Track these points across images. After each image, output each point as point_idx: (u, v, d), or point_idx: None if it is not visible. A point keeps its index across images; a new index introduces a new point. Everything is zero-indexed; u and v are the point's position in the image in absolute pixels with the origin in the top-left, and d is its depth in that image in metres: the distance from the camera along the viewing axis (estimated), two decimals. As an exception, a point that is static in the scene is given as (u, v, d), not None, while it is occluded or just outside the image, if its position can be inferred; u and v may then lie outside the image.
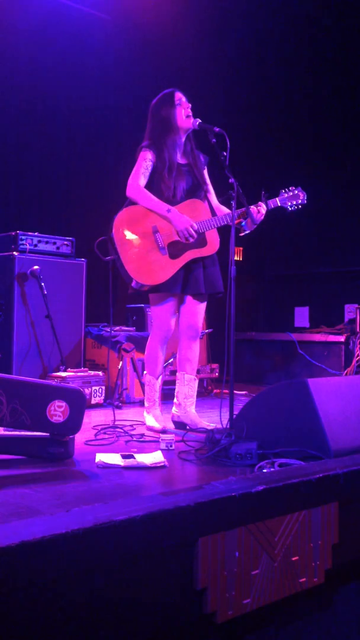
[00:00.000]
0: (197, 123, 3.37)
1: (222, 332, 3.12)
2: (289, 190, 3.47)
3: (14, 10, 5.39)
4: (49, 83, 5.75)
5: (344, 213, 6.37)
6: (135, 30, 6.12)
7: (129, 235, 3.34)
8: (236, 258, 3.13)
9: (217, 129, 3.23)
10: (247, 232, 3.39)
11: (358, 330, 5.27)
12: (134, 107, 5.96)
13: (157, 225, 3.35)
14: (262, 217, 3.36)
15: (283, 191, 3.47)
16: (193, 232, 3.30)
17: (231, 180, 3.16)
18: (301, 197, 3.47)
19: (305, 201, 3.49)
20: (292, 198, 3.46)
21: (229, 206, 3.28)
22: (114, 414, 3.57)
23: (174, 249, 3.34)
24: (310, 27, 6.30)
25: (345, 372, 5.18)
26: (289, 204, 3.46)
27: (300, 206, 3.48)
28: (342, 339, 5.37)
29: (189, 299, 3.49)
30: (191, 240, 3.33)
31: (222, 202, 3.54)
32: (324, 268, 6.59)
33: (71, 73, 5.88)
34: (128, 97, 6.18)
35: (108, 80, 6.15)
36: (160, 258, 3.33)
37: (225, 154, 3.17)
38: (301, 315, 6.73)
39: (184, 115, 3.41)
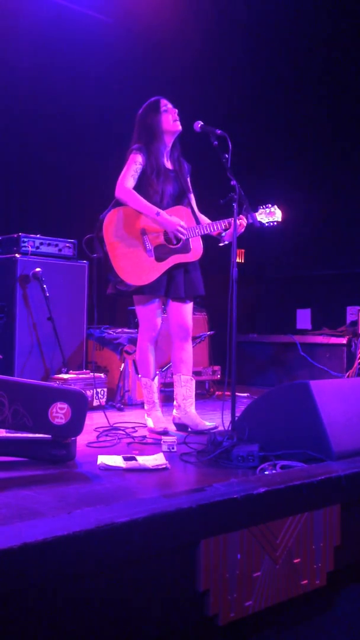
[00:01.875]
0: (199, 125, 3.37)
1: (224, 334, 3.12)
2: (266, 207, 3.50)
3: (16, 13, 5.41)
4: (51, 86, 5.76)
5: (345, 215, 6.36)
6: (137, 33, 6.13)
7: (118, 235, 3.38)
8: (238, 260, 3.12)
9: (219, 132, 3.24)
10: (226, 242, 3.43)
11: (360, 332, 5.27)
12: (136, 109, 5.96)
13: (145, 228, 3.39)
14: (243, 230, 3.40)
15: (261, 207, 3.51)
16: (184, 231, 3.36)
17: (233, 182, 3.17)
18: (276, 215, 3.50)
19: (280, 219, 3.50)
20: (268, 215, 3.49)
21: (230, 208, 3.28)
22: (106, 416, 3.57)
23: (161, 252, 3.39)
24: (308, 31, 6.31)
25: (347, 374, 5.18)
26: (266, 220, 3.49)
27: (275, 223, 3.50)
28: (344, 341, 5.37)
29: (171, 302, 3.54)
30: (183, 238, 3.37)
31: (223, 205, 3.55)
32: (326, 270, 6.59)
33: (73, 75, 5.89)
34: (130, 99, 6.16)
35: (110, 82, 6.16)
36: (147, 260, 3.37)
37: (227, 156, 3.18)
38: (303, 317, 6.72)
39: (172, 120, 3.46)
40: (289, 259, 6.95)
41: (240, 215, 3.38)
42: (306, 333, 6.01)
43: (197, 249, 3.48)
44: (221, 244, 3.45)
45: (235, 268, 3.08)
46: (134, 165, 3.42)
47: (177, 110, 3.49)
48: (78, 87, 5.92)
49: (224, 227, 3.41)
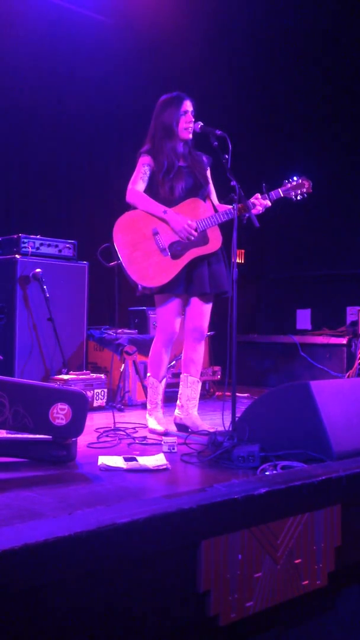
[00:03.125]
0: (199, 126, 3.37)
1: (224, 335, 3.12)
2: (292, 180, 3.40)
3: (16, 14, 5.41)
4: (50, 86, 5.76)
5: (346, 215, 6.36)
6: (136, 33, 6.12)
7: (129, 239, 3.36)
8: (238, 260, 3.11)
9: (218, 132, 3.23)
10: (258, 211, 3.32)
11: (360, 332, 5.27)
12: (136, 110, 5.97)
13: (157, 228, 3.36)
14: (262, 210, 3.33)
15: (286, 181, 3.41)
16: (192, 230, 3.32)
17: (233, 182, 3.16)
18: (306, 186, 3.38)
19: (311, 190, 3.38)
20: (297, 187, 3.38)
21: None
22: (113, 416, 3.57)
23: (176, 249, 3.35)
24: (311, 20, 6.31)
25: (348, 374, 5.18)
26: (293, 193, 3.39)
27: (306, 195, 3.38)
28: (344, 341, 5.37)
29: (194, 300, 3.48)
30: (192, 238, 3.34)
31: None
32: (326, 270, 6.59)
33: (73, 76, 5.89)
34: (130, 100, 6.19)
35: (110, 83, 6.16)
36: (162, 260, 3.33)
37: (227, 156, 3.16)
38: (303, 318, 6.73)
39: (183, 127, 3.40)
40: (289, 259, 6.95)
41: (256, 195, 3.32)
42: (306, 333, 6.01)
43: (215, 239, 3.38)
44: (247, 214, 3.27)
45: (235, 268, 3.06)
46: (143, 167, 3.42)
47: (193, 120, 3.40)
48: (78, 88, 5.92)
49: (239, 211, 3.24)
